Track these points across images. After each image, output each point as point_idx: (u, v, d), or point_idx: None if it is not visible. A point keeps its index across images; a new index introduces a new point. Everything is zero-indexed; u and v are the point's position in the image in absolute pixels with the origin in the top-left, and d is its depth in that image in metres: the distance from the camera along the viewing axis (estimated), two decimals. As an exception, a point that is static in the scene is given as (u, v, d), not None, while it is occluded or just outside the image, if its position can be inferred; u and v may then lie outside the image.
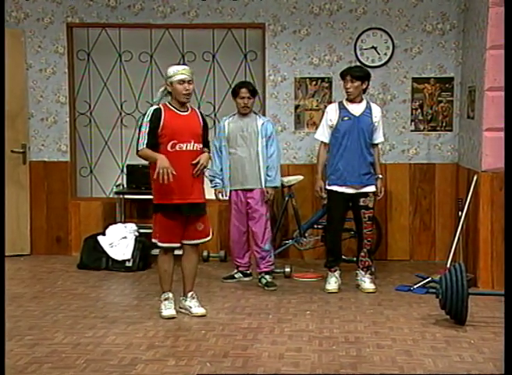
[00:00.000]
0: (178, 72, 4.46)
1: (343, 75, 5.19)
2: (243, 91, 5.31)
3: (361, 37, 6.25)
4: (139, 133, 4.46)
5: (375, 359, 3.76)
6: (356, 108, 5.17)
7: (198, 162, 4.48)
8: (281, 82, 6.34)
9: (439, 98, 6.28)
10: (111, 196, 6.57)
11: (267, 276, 5.38)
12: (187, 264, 4.69)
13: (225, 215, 5.53)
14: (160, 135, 4.41)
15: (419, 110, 6.31)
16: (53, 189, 6.51)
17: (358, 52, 6.26)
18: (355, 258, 5.42)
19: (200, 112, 4.68)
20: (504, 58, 4.12)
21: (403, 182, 6.33)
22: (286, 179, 5.91)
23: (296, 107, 6.36)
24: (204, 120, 4.63)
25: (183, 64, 4.73)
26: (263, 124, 5.36)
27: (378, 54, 6.27)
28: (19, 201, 6.41)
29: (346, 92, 5.17)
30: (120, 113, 6.66)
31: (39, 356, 3.78)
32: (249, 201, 5.37)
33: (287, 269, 5.69)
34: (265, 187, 5.33)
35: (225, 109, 6.36)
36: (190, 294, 4.65)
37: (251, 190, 5.36)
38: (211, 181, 5.49)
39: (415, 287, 5.25)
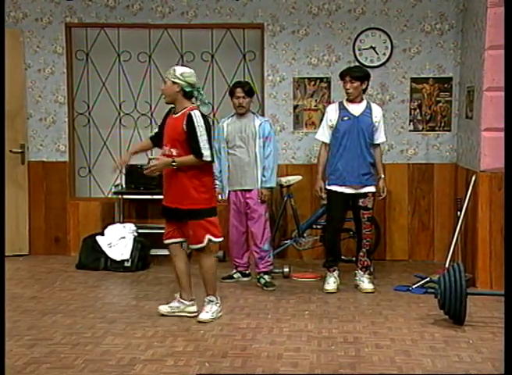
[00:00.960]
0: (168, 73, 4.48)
1: (342, 75, 5.19)
2: (238, 91, 5.33)
3: (360, 37, 6.25)
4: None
5: (373, 359, 3.76)
6: (356, 109, 5.17)
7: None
8: (280, 82, 6.34)
9: (438, 98, 6.29)
10: (109, 196, 6.56)
11: (266, 276, 5.39)
12: (199, 269, 4.60)
13: (225, 215, 5.52)
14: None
15: (418, 110, 6.31)
16: (52, 189, 6.51)
17: (357, 52, 6.26)
18: (354, 258, 5.43)
19: (189, 115, 4.32)
20: (504, 59, 4.12)
21: (401, 182, 6.33)
22: (284, 179, 5.92)
23: (295, 107, 6.36)
24: (189, 124, 4.30)
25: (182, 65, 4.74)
26: (260, 124, 5.35)
27: (377, 54, 6.27)
28: (17, 201, 6.41)
29: (346, 93, 5.18)
30: (119, 113, 6.65)
31: (38, 356, 3.78)
32: (248, 201, 5.38)
33: (286, 270, 5.69)
34: (260, 187, 5.34)
35: (224, 109, 6.36)
36: (206, 298, 4.54)
37: (250, 190, 5.37)
38: None
39: (414, 287, 5.26)
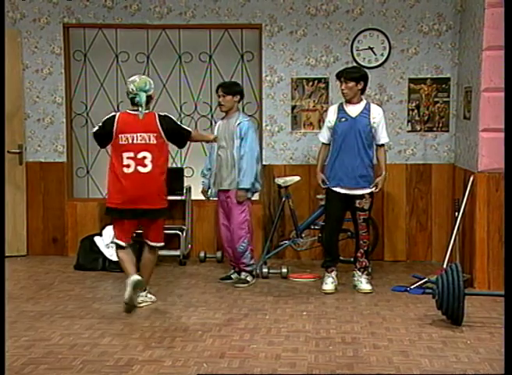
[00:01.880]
0: None
1: (337, 76, 5.20)
2: (219, 90, 5.40)
3: (358, 38, 6.26)
4: (182, 127, 4.83)
5: (371, 360, 3.76)
6: (353, 109, 5.18)
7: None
8: (278, 83, 6.34)
9: (436, 99, 6.29)
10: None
11: (242, 273, 5.44)
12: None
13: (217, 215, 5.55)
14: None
15: (415, 111, 6.32)
16: (49, 190, 6.51)
17: (355, 53, 6.26)
18: (352, 259, 5.43)
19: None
20: (504, 59, 4.11)
21: (399, 182, 6.33)
22: (282, 179, 5.92)
23: (293, 108, 6.36)
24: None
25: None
26: (239, 124, 5.31)
27: (375, 54, 6.27)
28: (15, 201, 6.41)
29: (342, 93, 5.19)
30: (117, 114, 6.64)
31: (35, 357, 3.78)
32: (227, 201, 5.40)
33: (284, 270, 5.69)
34: (235, 188, 5.33)
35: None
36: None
37: (228, 190, 5.39)
38: (202, 179, 5.69)
39: (412, 287, 5.26)
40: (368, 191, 5.18)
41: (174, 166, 6.57)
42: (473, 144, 5.50)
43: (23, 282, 5.56)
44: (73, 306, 4.80)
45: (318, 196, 5.83)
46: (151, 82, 4.80)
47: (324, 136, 5.30)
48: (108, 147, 4.84)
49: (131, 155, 4.61)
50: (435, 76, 6.26)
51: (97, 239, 6.07)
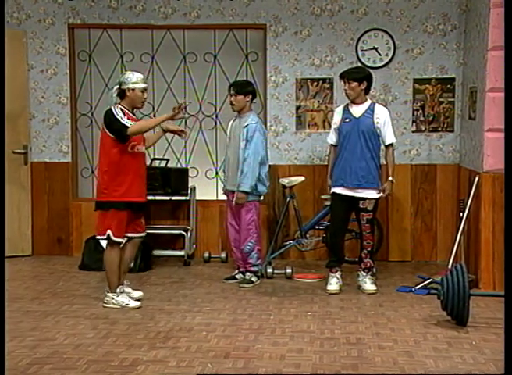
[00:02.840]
0: (141, 80, 4.75)
1: (341, 76, 5.20)
2: (231, 89, 5.40)
3: (362, 38, 6.25)
4: (117, 122, 4.60)
5: (376, 360, 3.75)
6: (357, 110, 5.17)
7: None
8: (282, 83, 6.34)
9: (441, 99, 6.28)
10: (112, 197, 6.56)
11: (247, 274, 5.44)
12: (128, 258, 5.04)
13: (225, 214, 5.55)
14: None
15: (420, 111, 6.30)
16: (54, 190, 6.52)
17: (359, 53, 6.26)
18: (357, 259, 5.42)
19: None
20: (504, 59, 4.11)
21: (404, 183, 6.32)
22: (287, 180, 5.92)
23: (298, 108, 6.36)
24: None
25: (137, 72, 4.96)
26: (246, 126, 5.31)
27: (380, 55, 6.27)
28: (20, 202, 6.42)
29: (345, 94, 5.19)
30: (121, 114, 6.65)
31: (40, 357, 3.78)
32: (233, 201, 5.42)
33: (288, 270, 5.69)
34: (236, 190, 5.33)
35: (226, 111, 6.36)
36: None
37: (233, 191, 5.39)
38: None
39: (416, 288, 5.25)
40: (372, 194, 5.15)
41: (179, 166, 6.58)
42: (478, 144, 5.49)
43: (27, 282, 5.57)
44: (78, 306, 4.81)
45: (323, 196, 5.83)
46: (125, 76, 4.74)
47: (332, 137, 5.32)
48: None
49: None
50: (440, 77, 6.25)
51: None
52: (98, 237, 4.87)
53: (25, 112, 6.43)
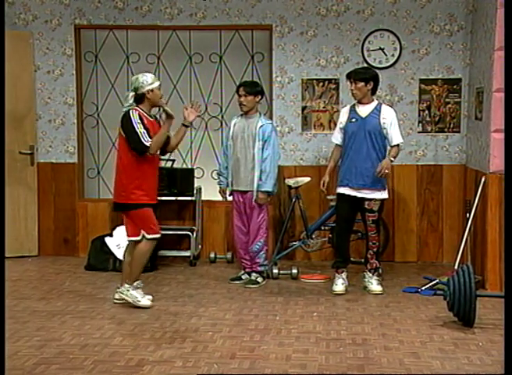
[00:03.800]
0: (155, 78, 4.80)
1: (348, 77, 5.20)
2: (240, 89, 5.38)
3: (369, 39, 6.24)
4: (135, 136, 4.60)
5: (382, 361, 3.75)
6: (363, 110, 5.17)
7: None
8: (288, 83, 6.34)
9: (447, 100, 6.27)
10: (118, 197, 6.57)
11: (253, 274, 5.45)
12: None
13: (231, 215, 5.54)
14: None
15: (426, 111, 6.29)
16: (61, 190, 6.53)
17: (365, 54, 6.25)
18: (363, 260, 5.41)
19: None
20: (504, 58, 4.09)
21: (410, 183, 6.31)
22: (292, 180, 5.91)
23: (304, 108, 6.36)
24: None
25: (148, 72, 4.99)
26: (261, 126, 5.34)
27: (386, 55, 6.26)
28: (26, 202, 6.43)
29: (352, 94, 5.18)
30: (127, 115, 6.66)
31: (47, 357, 3.79)
32: (245, 202, 5.41)
33: (294, 271, 5.69)
34: (256, 190, 5.34)
35: (232, 111, 6.36)
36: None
37: (246, 192, 5.39)
38: (218, 179, 5.63)
39: (423, 288, 5.24)
40: (379, 196, 5.14)
41: (184, 166, 6.58)
42: (484, 144, 5.47)
43: (34, 282, 5.58)
44: (84, 306, 4.82)
45: (329, 197, 5.82)
46: (140, 80, 4.72)
47: (337, 137, 5.31)
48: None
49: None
50: (446, 77, 6.24)
51: (107, 239, 6.09)
52: (130, 239, 4.81)
53: (31, 113, 6.45)
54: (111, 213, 6.45)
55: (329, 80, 6.31)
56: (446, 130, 6.30)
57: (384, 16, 6.23)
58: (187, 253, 6.22)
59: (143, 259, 4.81)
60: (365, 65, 6.12)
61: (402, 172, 6.28)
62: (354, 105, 5.23)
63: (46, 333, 4.22)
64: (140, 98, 4.73)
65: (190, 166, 6.60)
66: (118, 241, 6.03)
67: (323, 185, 5.29)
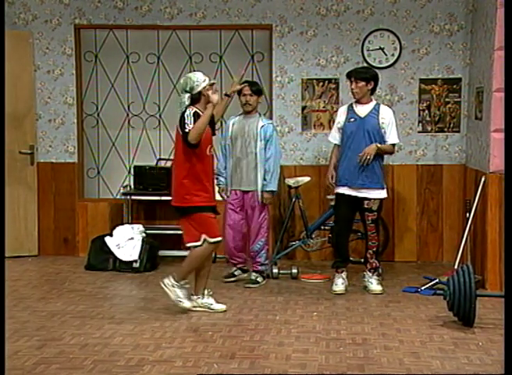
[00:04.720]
0: (204, 75, 4.65)
1: (348, 76, 5.20)
2: (245, 89, 5.38)
3: (368, 38, 6.24)
4: (185, 126, 4.47)
5: (382, 361, 3.75)
6: (362, 110, 5.17)
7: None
8: (288, 83, 6.34)
9: (447, 99, 6.27)
10: (118, 197, 6.58)
11: (253, 274, 5.46)
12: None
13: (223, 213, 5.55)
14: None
15: (426, 111, 6.29)
16: (60, 190, 6.53)
17: (365, 53, 6.25)
18: (362, 260, 5.41)
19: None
20: (504, 58, 4.08)
21: (410, 183, 6.31)
22: (292, 180, 5.92)
23: (303, 108, 6.36)
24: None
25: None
26: (263, 126, 5.36)
27: (386, 55, 6.26)
28: (26, 202, 6.43)
29: (352, 93, 5.18)
30: (127, 114, 6.67)
31: (47, 357, 3.79)
32: (245, 202, 5.41)
33: (294, 271, 5.69)
34: (261, 190, 5.34)
35: (232, 110, 6.34)
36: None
37: (247, 191, 5.39)
38: (216, 179, 5.58)
39: (423, 288, 5.24)
40: (378, 195, 5.14)
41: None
42: (484, 144, 5.47)
43: (34, 282, 5.58)
44: (84, 306, 4.82)
45: (329, 196, 5.83)
46: (194, 79, 4.58)
47: (335, 136, 5.30)
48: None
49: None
50: (446, 77, 6.24)
51: (107, 239, 6.09)
52: (190, 244, 4.68)
53: (31, 113, 6.45)
54: (111, 213, 6.46)
55: (329, 80, 6.31)
56: (445, 129, 6.30)
57: (384, 16, 6.23)
58: (186, 253, 6.20)
59: (198, 261, 4.71)
60: (365, 64, 6.13)
61: (402, 171, 6.28)
62: (352, 104, 5.23)
63: (46, 332, 4.22)
64: (196, 98, 4.57)
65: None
66: (118, 241, 6.03)
67: (331, 178, 5.26)
